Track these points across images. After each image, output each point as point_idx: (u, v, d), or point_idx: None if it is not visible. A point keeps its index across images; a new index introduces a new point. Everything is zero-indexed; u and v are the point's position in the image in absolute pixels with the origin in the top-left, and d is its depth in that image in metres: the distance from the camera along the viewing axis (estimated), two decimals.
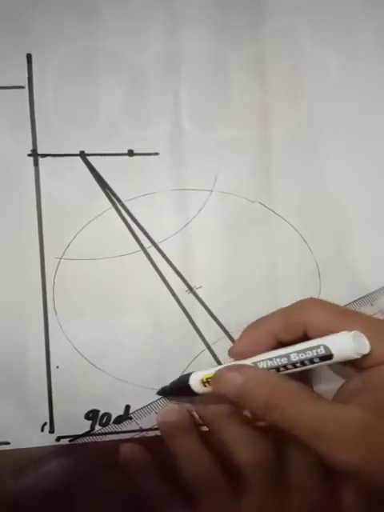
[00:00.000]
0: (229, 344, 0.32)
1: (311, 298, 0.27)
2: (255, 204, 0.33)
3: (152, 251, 0.32)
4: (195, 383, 0.28)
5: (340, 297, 0.33)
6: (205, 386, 0.28)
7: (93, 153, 0.31)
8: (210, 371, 0.27)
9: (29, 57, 0.31)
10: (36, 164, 0.31)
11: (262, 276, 0.33)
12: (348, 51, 0.34)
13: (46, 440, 0.31)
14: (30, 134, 0.31)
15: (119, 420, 0.32)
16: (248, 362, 0.26)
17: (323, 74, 0.33)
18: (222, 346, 0.32)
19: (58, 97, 0.31)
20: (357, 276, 0.33)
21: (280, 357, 0.25)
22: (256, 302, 0.33)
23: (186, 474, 0.30)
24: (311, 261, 0.33)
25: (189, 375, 0.28)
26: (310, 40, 0.33)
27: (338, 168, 0.33)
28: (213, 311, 0.32)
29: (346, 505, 0.29)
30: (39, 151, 0.31)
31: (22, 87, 0.31)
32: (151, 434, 0.31)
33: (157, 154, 0.32)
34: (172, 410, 0.31)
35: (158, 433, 0.31)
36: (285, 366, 0.25)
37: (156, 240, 0.32)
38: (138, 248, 0.32)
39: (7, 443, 0.31)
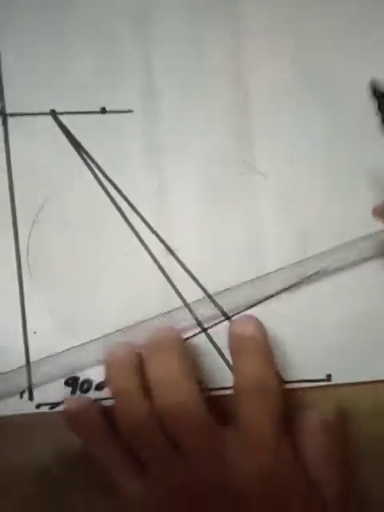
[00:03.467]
0: (209, 306, 0.31)
1: None
2: (237, 164, 0.31)
3: (129, 213, 0.31)
4: None
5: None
6: None
7: (64, 111, 0.30)
8: None
9: None
10: (4, 124, 0.30)
11: (244, 238, 0.31)
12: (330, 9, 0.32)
13: (26, 407, 0.31)
14: None
15: (100, 386, 0.31)
16: None
17: (304, 33, 0.32)
18: (204, 311, 0.31)
19: (28, 53, 0.30)
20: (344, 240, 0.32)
21: None
22: (238, 264, 0.31)
23: (123, 425, 0.28)
24: (298, 223, 0.32)
25: None
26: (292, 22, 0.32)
27: (322, 128, 0.32)
28: (193, 273, 0.31)
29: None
30: (8, 111, 0.30)
31: None
32: None
33: (131, 111, 0.31)
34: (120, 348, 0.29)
35: None
36: None
37: (132, 201, 0.31)
38: (115, 210, 0.31)
39: None
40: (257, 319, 0.30)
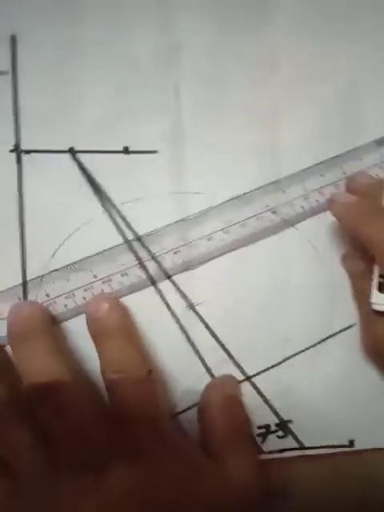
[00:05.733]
0: (229, 365, 0.29)
1: None
2: (264, 211, 0.29)
3: (151, 265, 0.28)
4: None
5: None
6: None
7: (83, 150, 0.28)
8: None
9: (13, 39, 0.27)
10: (19, 161, 0.27)
11: (272, 292, 0.29)
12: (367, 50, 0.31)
13: None
14: (12, 127, 0.27)
15: None
16: None
17: (341, 71, 0.30)
18: (223, 369, 0.29)
19: (46, 86, 0.28)
20: None
21: None
22: (263, 320, 0.29)
23: None
24: (324, 276, 0.30)
25: None
26: (324, 30, 0.30)
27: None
28: (214, 330, 0.29)
29: None
30: (23, 147, 0.27)
31: (5, 73, 0.27)
32: None
33: (155, 152, 0.29)
34: None
35: None
36: None
37: (156, 252, 0.28)
38: (136, 261, 0.28)
39: None
40: (112, 296, 0.27)
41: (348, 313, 0.30)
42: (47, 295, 0.27)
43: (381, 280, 0.26)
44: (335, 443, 0.30)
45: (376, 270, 0.27)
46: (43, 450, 0.24)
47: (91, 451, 0.24)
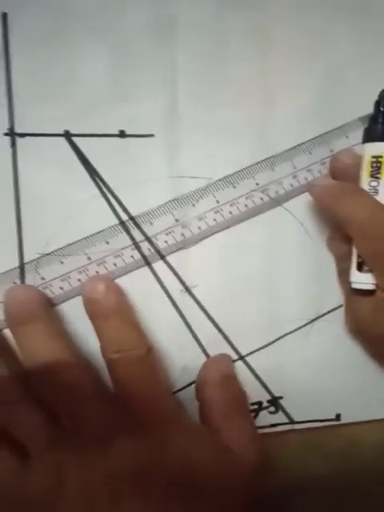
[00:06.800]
0: (224, 344, 0.30)
1: None
2: (260, 194, 0.30)
3: (144, 246, 0.28)
4: None
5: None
6: None
7: (79, 133, 0.27)
8: None
9: (4, 16, 0.26)
10: (13, 145, 0.27)
11: (263, 273, 0.30)
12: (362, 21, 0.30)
13: None
14: (6, 110, 0.26)
15: None
16: None
17: (337, 48, 0.30)
18: (218, 349, 0.30)
19: (40, 67, 0.27)
20: None
21: None
22: (255, 301, 0.30)
23: None
24: (313, 255, 0.31)
25: None
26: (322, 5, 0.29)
27: None
28: (208, 310, 0.30)
29: None
30: (17, 130, 0.27)
31: None
32: None
33: (152, 135, 0.28)
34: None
35: None
36: None
37: (149, 233, 0.29)
38: (130, 242, 0.28)
39: None
40: (107, 277, 0.28)
41: (337, 293, 0.31)
42: (42, 278, 0.28)
43: (359, 259, 0.27)
44: (323, 417, 0.31)
45: (354, 250, 0.27)
46: (53, 427, 0.25)
47: (96, 427, 0.25)
